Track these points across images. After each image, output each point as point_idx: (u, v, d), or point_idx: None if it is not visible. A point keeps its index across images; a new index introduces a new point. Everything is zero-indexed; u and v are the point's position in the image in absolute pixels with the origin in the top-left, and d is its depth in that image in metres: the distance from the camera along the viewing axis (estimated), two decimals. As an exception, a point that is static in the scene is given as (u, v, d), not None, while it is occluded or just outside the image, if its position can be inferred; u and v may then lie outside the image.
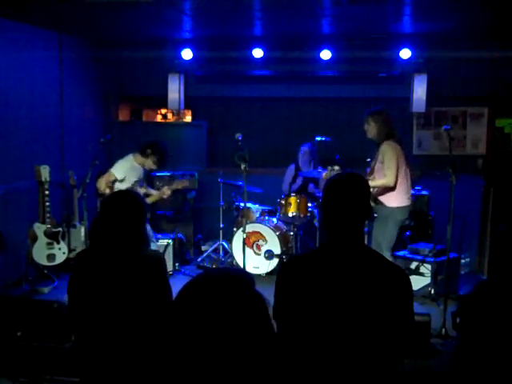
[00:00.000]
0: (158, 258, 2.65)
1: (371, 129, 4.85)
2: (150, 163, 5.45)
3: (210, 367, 1.21)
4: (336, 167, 5.07)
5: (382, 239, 4.83)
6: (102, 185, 5.35)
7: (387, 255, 4.76)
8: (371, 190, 4.85)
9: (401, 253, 5.49)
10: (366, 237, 5.20)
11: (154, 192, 5.70)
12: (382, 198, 4.83)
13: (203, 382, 1.21)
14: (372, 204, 4.97)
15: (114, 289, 2.47)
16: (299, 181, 6.58)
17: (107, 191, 5.30)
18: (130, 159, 5.47)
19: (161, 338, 1.30)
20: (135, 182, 5.45)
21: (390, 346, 1.96)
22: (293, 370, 1.98)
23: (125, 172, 5.38)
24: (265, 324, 1.27)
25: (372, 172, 4.96)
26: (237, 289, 1.28)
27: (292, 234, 6.12)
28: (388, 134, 4.81)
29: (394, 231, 4.85)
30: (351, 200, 2.06)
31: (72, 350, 2.65)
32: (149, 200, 5.46)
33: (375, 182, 4.80)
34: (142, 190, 5.55)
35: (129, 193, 2.81)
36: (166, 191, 5.64)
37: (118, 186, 5.40)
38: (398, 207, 4.80)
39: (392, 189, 4.76)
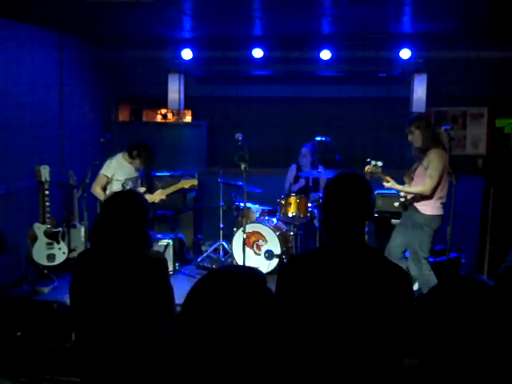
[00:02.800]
0: (160, 258, 2.66)
1: (416, 137, 4.71)
2: (137, 164, 5.52)
3: (219, 362, 1.21)
4: (379, 163, 4.83)
5: (419, 248, 4.70)
6: (97, 190, 5.36)
7: (424, 263, 4.69)
8: (404, 195, 4.78)
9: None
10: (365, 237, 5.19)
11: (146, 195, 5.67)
12: (418, 206, 4.72)
13: (211, 377, 1.21)
14: (398, 206, 4.91)
15: (116, 289, 2.47)
16: (302, 181, 6.56)
17: (103, 197, 5.30)
18: (118, 157, 5.51)
19: (170, 333, 1.30)
20: (126, 180, 5.45)
21: (391, 346, 1.95)
22: (294, 371, 1.98)
23: (112, 169, 5.42)
24: (275, 320, 1.28)
25: (411, 173, 4.81)
26: (249, 285, 1.29)
27: (292, 233, 6.12)
28: (434, 140, 4.71)
29: (430, 239, 4.73)
30: (352, 200, 2.05)
31: (73, 350, 2.65)
32: (168, 190, 5.54)
33: (411, 189, 4.70)
34: (142, 189, 5.56)
35: (131, 193, 2.81)
36: (159, 195, 5.63)
37: (109, 186, 5.42)
38: (434, 215, 4.69)
39: (430, 197, 4.66)
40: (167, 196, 5.72)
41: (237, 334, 1.22)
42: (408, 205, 4.83)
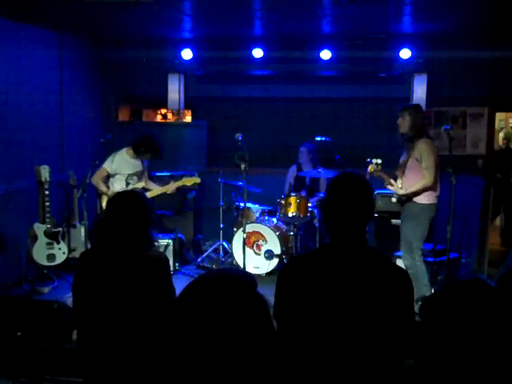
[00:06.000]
0: (162, 258, 2.66)
1: (405, 123, 4.73)
2: (145, 158, 5.57)
3: (210, 367, 1.21)
4: (379, 160, 4.83)
5: (414, 238, 4.69)
6: (96, 180, 5.40)
7: (418, 254, 4.67)
8: (407, 193, 4.73)
9: (400, 252, 5.47)
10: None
11: (156, 186, 5.74)
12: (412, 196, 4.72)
13: (204, 381, 1.21)
14: (396, 202, 4.90)
15: (118, 289, 2.48)
16: (303, 192, 6.53)
17: (102, 187, 5.40)
18: (122, 153, 5.52)
19: (163, 338, 1.30)
20: (129, 175, 5.46)
21: (391, 347, 1.96)
22: (293, 370, 1.98)
23: (115, 165, 5.44)
24: (266, 325, 1.27)
25: (402, 168, 4.80)
26: (238, 290, 1.28)
27: (292, 233, 6.12)
28: (421, 131, 4.72)
29: (426, 229, 4.73)
30: (354, 200, 2.05)
31: (75, 349, 2.65)
32: (149, 194, 5.47)
33: (414, 187, 4.66)
34: (140, 184, 5.54)
35: (134, 193, 2.82)
36: (172, 186, 5.67)
37: (112, 181, 5.45)
38: (429, 204, 4.69)
39: (427, 187, 4.66)
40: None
41: (224, 336, 1.21)
42: (403, 199, 4.82)
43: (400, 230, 4.88)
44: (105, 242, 2.58)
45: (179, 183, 5.75)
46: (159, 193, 5.65)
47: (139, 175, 5.59)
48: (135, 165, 5.53)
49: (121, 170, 5.45)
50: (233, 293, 1.27)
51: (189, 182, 5.82)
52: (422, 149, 4.64)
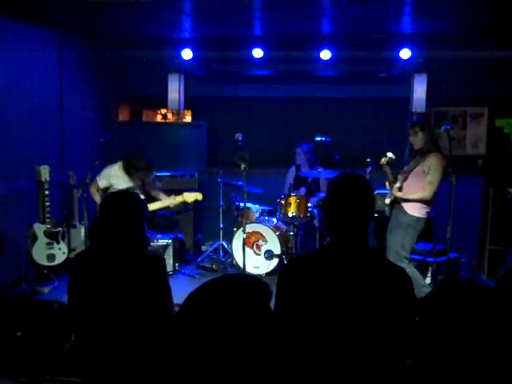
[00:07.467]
0: (158, 257, 2.66)
1: (419, 139, 4.70)
2: (140, 176, 5.43)
3: (210, 370, 1.21)
4: (393, 156, 4.80)
5: (401, 248, 4.66)
6: (93, 192, 5.40)
7: (406, 263, 4.62)
8: (403, 197, 4.72)
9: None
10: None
11: (164, 196, 5.65)
12: (405, 206, 4.70)
13: (203, 378, 1.21)
14: (389, 204, 4.90)
15: (114, 288, 2.48)
16: (303, 189, 6.52)
17: (97, 199, 5.37)
18: (114, 168, 5.44)
19: (164, 339, 1.30)
20: (127, 188, 5.35)
21: (392, 347, 1.96)
22: (294, 371, 1.98)
23: (107, 179, 5.40)
24: (266, 337, 1.27)
25: (405, 173, 4.78)
26: (253, 298, 1.27)
27: (292, 233, 6.12)
28: (435, 144, 4.70)
29: (413, 241, 4.73)
30: (356, 201, 2.05)
31: (72, 349, 2.66)
32: (154, 205, 5.39)
33: (412, 195, 4.66)
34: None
35: (127, 193, 2.83)
36: (172, 201, 5.54)
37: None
38: (420, 217, 4.68)
39: (423, 200, 4.66)
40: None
41: (227, 340, 1.21)
42: (395, 204, 4.80)
43: (387, 239, 4.82)
44: (100, 242, 2.59)
45: (180, 199, 5.55)
46: (161, 206, 5.55)
47: (136, 188, 5.33)
48: (130, 179, 5.44)
49: (115, 185, 5.37)
50: (247, 299, 1.26)
51: (189, 198, 5.59)
52: (432, 163, 4.62)
